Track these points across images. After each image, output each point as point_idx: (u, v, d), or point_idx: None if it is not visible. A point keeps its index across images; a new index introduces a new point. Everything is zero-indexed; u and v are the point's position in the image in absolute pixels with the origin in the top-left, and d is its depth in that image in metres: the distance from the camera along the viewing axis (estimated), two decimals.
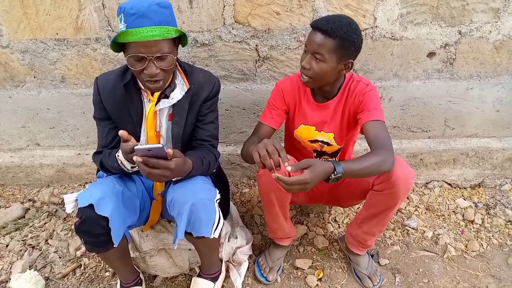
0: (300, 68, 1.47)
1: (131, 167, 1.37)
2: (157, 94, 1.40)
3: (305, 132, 1.67)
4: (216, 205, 1.40)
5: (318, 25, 1.36)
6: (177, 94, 1.44)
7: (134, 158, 1.18)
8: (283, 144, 1.99)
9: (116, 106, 1.45)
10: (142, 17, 1.20)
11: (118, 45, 1.29)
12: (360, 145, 2.24)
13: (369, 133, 1.43)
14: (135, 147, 1.16)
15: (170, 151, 1.19)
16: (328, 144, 1.68)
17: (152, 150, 1.15)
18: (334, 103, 1.58)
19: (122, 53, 1.33)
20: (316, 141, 1.68)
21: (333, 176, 1.21)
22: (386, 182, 1.43)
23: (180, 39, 1.36)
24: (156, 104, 1.42)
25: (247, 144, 1.54)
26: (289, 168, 1.17)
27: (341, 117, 1.60)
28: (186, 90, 1.46)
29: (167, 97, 1.43)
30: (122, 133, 1.21)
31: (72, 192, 2.33)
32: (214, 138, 1.58)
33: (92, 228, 1.31)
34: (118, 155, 1.36)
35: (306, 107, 1.63)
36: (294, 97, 1.64)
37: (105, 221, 1.29)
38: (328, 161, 1.23)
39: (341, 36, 1.34)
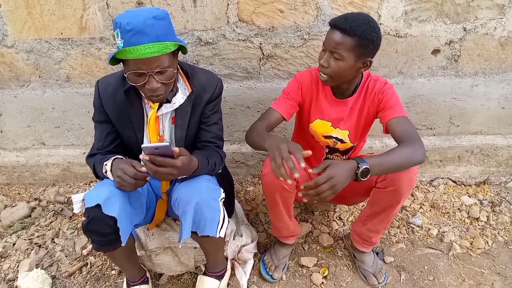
0: (318, 66, 1.46)
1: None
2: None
3: (320, 127, 1.66)
4: (221, 204, 1.41)
5: (337, 24, 1.35)
6: (179, 98, 1.44)
7: (141, 156, 1.19)
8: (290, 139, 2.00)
9: (117, 111, 1.45)
10: (139, 33, 1.16)
11: (116, 59, 1.27)
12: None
13: (395, 129, 1.42)
14: (142, 145, 1.17)
15: (176, 149, 1.20)
16: (342, 141, 1.67)
17: (159, 148, 1.16)
18: (352, 101, 1.58)
19: None
20: (330, 137, 1.67)
21: (359, 171, 1.19)
22: (389, 180, 1.43)
23: (179, 48, 1.34)
24: (158, 109, 1.42)
25: (255, 129, 1.50)
26: (311, 170, 1.17)
27: (358, 115, 1.60)
28: (188, 94, 1.45)
29: (169, 101, 1.43)
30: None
31: (77, 191, 2.34)
32: (219, 139, 1.58)
33: (99, 228, 1.32)
34: (106, 164, 1.36)
35: (323, 101, 1.62)
36: (311, 91, 1.62)
37: (113, 220, 1.29)
38: (349, 159, 1.23)
39: (360, 35, 1.33)
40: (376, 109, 1.54)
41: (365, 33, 1.33)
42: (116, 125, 1.48)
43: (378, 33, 1.37)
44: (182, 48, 1.34)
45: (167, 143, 1.15)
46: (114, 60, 1.27)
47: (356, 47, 1.35)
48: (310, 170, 1.19)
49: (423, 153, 1.32)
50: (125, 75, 1.28)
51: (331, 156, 1.77)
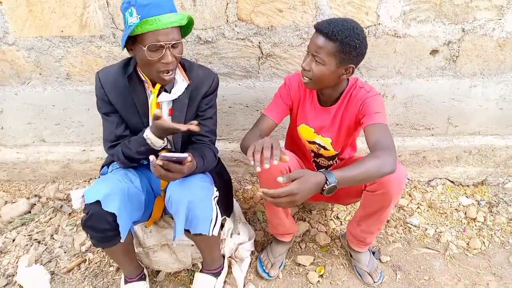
0: (301, 69, 1.47)
1: (163, 143, 1.40)
2: (158, 86, 1.43)
3: (304, 132, 1.67)
4: (214, 202, 1.42)
5: (320, 28, 1.35)
6: (178, 89, 1.47)
7: (156, 161, 1.22)
8: (283, 142, 2.01)
9: (120, 98, 1.47)
10: (157, 6, 1.24)
11: (128, 40, 1.30)
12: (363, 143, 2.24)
13: (369, 136, 1.39)
14: (161, 154, 1.21)
15: (189, 158, 1.25)
16: (325, 148, 1.68)
17: (176, 158, 1.22)
18: (335, 109, 1.57)
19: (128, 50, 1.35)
20: (314, 142, 1.68)
21: (326, 187, 1.15)
22: (378, 183, 1.42)
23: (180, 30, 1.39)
24: (157, 97, 1.45)
25: (248, 136, 1.55)
26: (280, 179, 1.13)
27: (340, 124, 1.58)
28: (186, 85, 1.48)
29: (167, 92, 1.46)
30: (157, 112, 1.26)
31: (77, 188, 2.36)
32: (213, 134, 1.61)
33: (98, 224, 1.33)
34: (147, 136, 1.37)
35: (309, 107, 1.62)
36: (299, 95, 1.63)
37: (112, 216, 1.31)
38: (320, 171, 1.18)
39: (342, 40, 1.31)
40: (357, 117, 1.51)
41: (348, 39, 1.32)
42: (121, 113, 1.50)
43: (362, 40, 1.36)
44: (183, 32, 1.39)
45: (186, 155, 1.20)
46: (127, 42, 1.30)
47: (337, 53, 1.34)
48: (279, 179, 1.13)
49: (393, 163, 1.25)
50: (144, 50, 1.27)
51: (318, 160, 1.79)
